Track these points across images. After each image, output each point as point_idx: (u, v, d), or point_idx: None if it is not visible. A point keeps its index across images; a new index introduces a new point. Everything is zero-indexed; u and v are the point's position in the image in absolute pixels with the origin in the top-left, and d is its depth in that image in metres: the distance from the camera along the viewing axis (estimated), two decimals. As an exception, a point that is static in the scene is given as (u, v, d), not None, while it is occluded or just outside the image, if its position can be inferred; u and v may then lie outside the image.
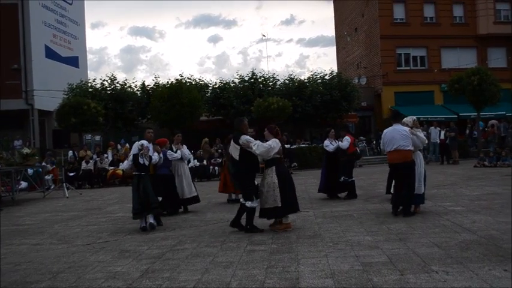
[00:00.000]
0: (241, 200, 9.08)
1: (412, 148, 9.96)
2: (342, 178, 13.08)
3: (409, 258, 6.36)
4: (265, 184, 8.81)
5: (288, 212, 8.87)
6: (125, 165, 10.15)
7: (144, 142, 9.70)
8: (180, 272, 6.33)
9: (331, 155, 13.39)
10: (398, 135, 9.84)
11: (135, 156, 9.59)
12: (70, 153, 23.98)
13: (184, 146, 12.28)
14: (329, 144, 13.40)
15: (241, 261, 6.75)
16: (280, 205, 8.64)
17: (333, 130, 13.95)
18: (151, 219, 9.62)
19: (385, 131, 10.33)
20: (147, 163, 9.64)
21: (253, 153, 8.75)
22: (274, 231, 8.81)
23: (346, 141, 13.09)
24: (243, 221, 9.01)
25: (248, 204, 8.82)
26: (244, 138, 8.74)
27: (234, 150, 8.91)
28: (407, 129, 10.02)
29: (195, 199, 12.47)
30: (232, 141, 9.03)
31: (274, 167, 8.83)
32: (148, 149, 9.68)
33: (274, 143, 8.76)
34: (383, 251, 6.83)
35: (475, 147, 28.70)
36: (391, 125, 10.29)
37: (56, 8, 35.68)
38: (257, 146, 8.61)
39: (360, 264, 6.22)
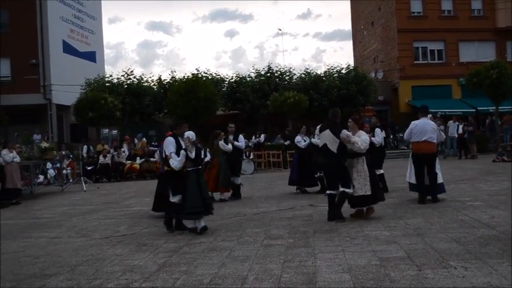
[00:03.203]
0: (341, 189, 9.11)
1: (436, 141, 10.78)
2: (318, 174, 13.36)
3: (427, 254, 6.32)
4: (354, 172, 9.11)
5: (377, 201, 9.25)
6: (177, 163, 8.71)
7: (190, 134, 8.96)
8: (197, 266, 6.36)
9: (302, 151, 13.78)
10: (429, 128, 10.67)
11: (185, 151, 8.82)
12: (85, 148, 24.05)
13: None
14: (301, 140, 13.81)
15: (257, 255, 6.76)
16: (370, 193, 9.00)
17: (304, 126, 14.28)
18: (203, 222, 8.79)
19: (415, 122, 10.90)
20: (193, 156, 8.82)
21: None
22: (291, 225, 8.82)
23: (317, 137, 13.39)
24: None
25: (348, 190, 8.98)
26: (345, 133, 8.96)
27: (332, 142, 9.01)
28: (435, 124, 10.94)
29: None
30: (329, 132, 9.08)
31: (364, 157, 9.19)
32: (193, 142, 8.98)
33: (367, 137, 9.40)
34: (400, 246, 6.79)
35: (494, 141, 28.40)
36: (416, 118, 11.09)
37: (73, 3, 35.90)
38: (361, 142, 9.01)
39: (377, 259, 6.20)
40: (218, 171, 12.90)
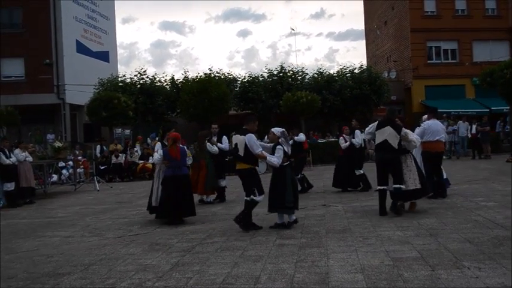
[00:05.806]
0: (396, 185, 9.41)
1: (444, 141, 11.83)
2: (299, 175, 13.58)
3: (440, 254, 6.29)
4: (404, 167, 9.57)
5: (425, 194, 9.89)
6: (278, 159, 8.53)
7: (280, 129, 8.94)
8: (210, 266, 6.37)
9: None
10: (441, 128, 11.62)
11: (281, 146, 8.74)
12: (98, 147, 24.08)
13: None
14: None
15: (270, 255, 6.76)
16: (420, 187, 9.52)
17: (284, 130, 14.40)
18: (294, 216, 8.76)
19: (428, 122, 11.53)
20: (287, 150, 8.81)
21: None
22: (303, 225, 8.80)
23: (301, 135, 14.02)
24: None
25: (402, 186, 9.37)
26: (405, 131, 9.62)
27: (393, 138, 9.42)
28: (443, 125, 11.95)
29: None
30: (391, 129, 9.46)
31: (410, 153, 9.80)
32: (286, 137, 9.05)
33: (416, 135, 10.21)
34: (413, 247, 6.77)
35: (508, 141, 28.17)
36: (427, 119, 11.78)
37: (86, 3, 36.13)
38: (417, 140, 9.89)
39: (390, 259, 6.18)
40: (206, 174, 12.43)
